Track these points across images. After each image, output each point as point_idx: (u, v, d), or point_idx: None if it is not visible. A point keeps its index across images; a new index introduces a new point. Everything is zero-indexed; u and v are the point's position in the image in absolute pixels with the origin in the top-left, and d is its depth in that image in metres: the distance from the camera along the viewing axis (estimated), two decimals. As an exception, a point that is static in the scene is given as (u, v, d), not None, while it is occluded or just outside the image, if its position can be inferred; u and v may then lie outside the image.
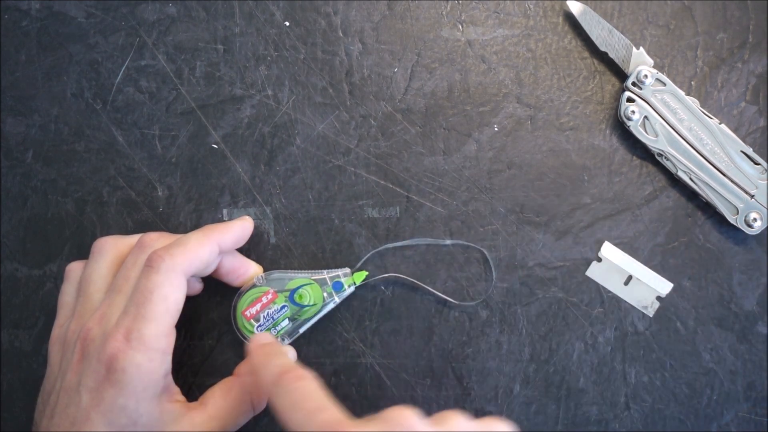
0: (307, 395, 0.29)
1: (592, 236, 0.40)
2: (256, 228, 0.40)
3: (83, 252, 0.39)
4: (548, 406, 0.39)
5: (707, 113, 0.39)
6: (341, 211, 0.40)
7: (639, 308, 0.40)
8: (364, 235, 0.40)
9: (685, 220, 0.40)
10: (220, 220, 0.40)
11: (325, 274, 0.38)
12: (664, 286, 0.40)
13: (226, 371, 0.38)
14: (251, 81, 0.40)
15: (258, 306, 0.37)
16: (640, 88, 0.39)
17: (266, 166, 0.40)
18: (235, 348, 0.39)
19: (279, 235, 0.40)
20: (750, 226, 0.39)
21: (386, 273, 0.40)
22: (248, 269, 0.38)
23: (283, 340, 0.38)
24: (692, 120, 0.39)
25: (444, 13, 0.41)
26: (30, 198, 0.41)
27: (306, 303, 0.37)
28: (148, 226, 0.40)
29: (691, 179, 0.39)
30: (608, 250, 0.40)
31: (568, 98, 0.40)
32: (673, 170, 0.39)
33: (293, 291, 0.38)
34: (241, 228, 0.38)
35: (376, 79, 0.40)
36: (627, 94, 0.39)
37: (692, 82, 0.40)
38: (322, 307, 0.38)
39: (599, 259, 0.40)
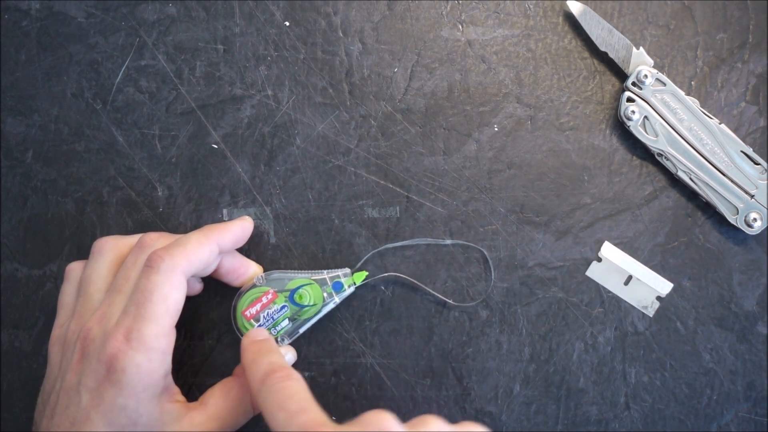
0: (291, 396, 0.30)
1: (592, 236, 0.40)
2: (256, 228, 0.40)
3: (83, 252, 0.39)
4: (548, 406, 0.39)
5: (707, 113, 0.39)
6: (341, 211, 0.40)
7: (639, 308, 0.40)
8: (364, 235, 0.40)
9: (685, 220, 0.40)
10: (220, 220, 0.40)
11: (325, 275, 0.38)
12: (664, 286, 0.40)
13: (226, 371, 0.38)
14: (251, 81, 0.40)
15: (258, 306, 0.37)
16: (640, 88, 0.39)
17: (266, 166, 0.40)
18: (235, 348, 0.39)
19: (279, 235, 0.40)
20: (750, 226, 0.39)
21: (386, 273, 0.40)
22: (248, 269, 0.38)
23: (282, 340, 0.38)
24: (692, 120, 0.39)
25: (444, 13, 0.41)
26: (30, 198, 0.41)
27: (306, 303, 0.37)
28: (148, 226, 0.40)
29: (691, 179, 0.39)
30: (608, 250, 0.40)
31: (568, 98, 0.40)
32: (673, 170, 0.39)
33: (293, 291, 0.38)
34: (240, 228, 0.38)
35: (376, 79, 0.40)
36: (627, 94, 0.39)
37: (692, 82, 0.40)
38: (322, 307, 0.38)
39: (599, 259, 0.40)
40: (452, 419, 0.39)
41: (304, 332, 0.38)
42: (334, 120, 0.40)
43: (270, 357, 0.33)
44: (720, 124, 0.39)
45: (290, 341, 0.38)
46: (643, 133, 0.39)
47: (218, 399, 0.35)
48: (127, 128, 0.41)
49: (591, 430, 0.39)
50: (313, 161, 0.40)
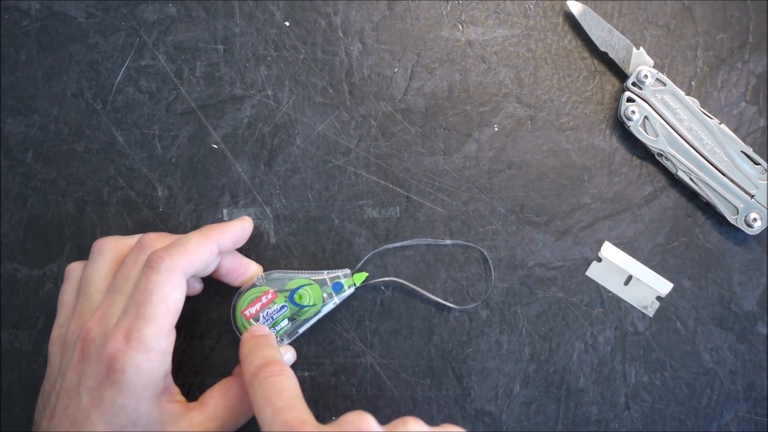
0: (279, 392, 0.30)
1: (592, 236, 0.40)
2: (256, 228, 0.40)
3: (83, 252, 0.39)
4: (548, 406, 0.39)
5: (707, 113, 0.39)
6: (341, 211, 0.40)
7: (639, 308, 0.40)
8: (364, 235, 0.40)
9: (685, 220, 0.40)
10: (220, 220, 0.40)
11: (325, 275, 0.38)
12: (664, 286, 0.40)
13: (226, 371, 0.38)
14: (251, 81, 0.40)
15: (258, 306, 0.37)
16: (640, 88, 0.39)
17: (266, 166, 0.40)
18: (235, 348, 0.39)
19: (279, 235, 0.40)
20: (750, 226, 0.39)
21: (386, 272, 0.40)
22: (248, 269, 0.38)
23: (282, 340, 0.38)
24: (692, 120, 0.39)
25: (444, 13, 0.41)
26: (30, 198, 0.41)
27: (305, 303, 0.37)
28: (148, 226, 0.40)
29: (691, 179, 0.39)
30: (608, 250, 0.40)
31: (568, 98, 0.40)
32: (673, 170, 0.39)
33: (293, 291, 0.38)
34: (240, 228, 0.38)
35: (376, 79, 0.40)
36: (627, 94, 0.39)
37: (692, 82, 0.40)
38: (322, 307, 0.38)
39: (599, 259, 0.40)
40: (452, 419, 0.39)
41: (304, 332, 0.38)
42: (334, 120, 0.40)
43: (266, 351, 0.33)
44: (720, 124, 0.39)
45: (290, 341, 0.38)
46: (643, 133, 0.39)
47: (218, 399, 0.35)
48: (127, 128, 0.41)
49: (591, 430, 0.39)
50: (313, 161, 0.40)
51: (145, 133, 0.41)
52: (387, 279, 0.39)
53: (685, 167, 0.39)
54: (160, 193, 0.40)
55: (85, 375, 0.32)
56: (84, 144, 0.41)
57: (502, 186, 0.40)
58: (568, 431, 0.39)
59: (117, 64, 0.41)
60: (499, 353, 0.40)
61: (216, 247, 0.35)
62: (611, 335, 0.40)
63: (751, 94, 0.40)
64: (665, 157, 0.39)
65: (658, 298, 0.40)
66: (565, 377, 0.39)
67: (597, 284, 0.40)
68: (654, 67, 0.39)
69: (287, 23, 0.41)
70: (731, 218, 0.39)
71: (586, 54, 0.40)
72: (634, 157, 0.40)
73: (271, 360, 0.32)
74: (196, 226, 0.40)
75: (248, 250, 0.40)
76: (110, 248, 0.36)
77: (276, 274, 0.38)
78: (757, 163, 0.39)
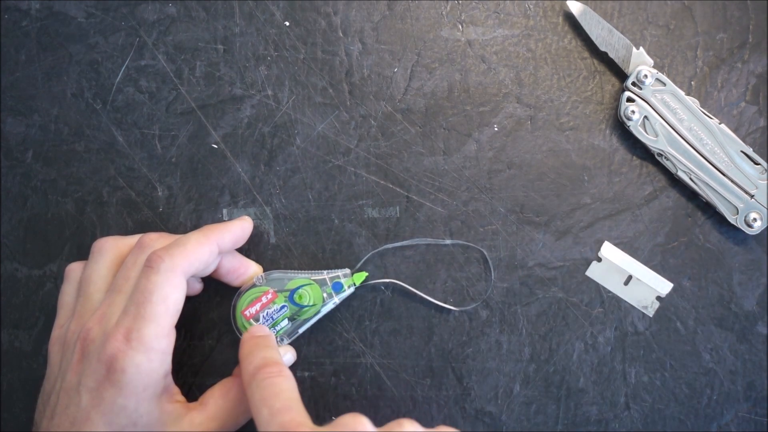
0: (277, 393, 0.30)
1: (592, 236, 0.40)
2: (256, 228, 0.40)
3: (83, 252, 0.39)
4: (548, 406, 0.39)
5: (707, 113, 0.39)
6: (341, 211, 0.40)
7: (639, 308, 0.40)
8: (364, 235, 0.40)
9: (685, 220, 0.40)
10: (220, 220, 0.40)
11: (325, 275, 0.38)
12: (664, 286, 0.40)
13: (226, 371, 0.38)
14: (251, 81, 0.40)
15: (258, 306, 0.37)
16: (640, 88, 0.39)
17: (266, 166, 0.40)
18: (235, 348, 0.39)
19: (279, 235, 0.40)
20: (750, 226, 0.39)
21: (386, 272, 0.40)
22: (248, 269, 0.38)
23: (282, 340, 0.38)
24: (692, 120, 0.39)
25: (444, 13, 0.41)
26: (30, 198, 0.41)
27: (305, 303, 0.37)
28: (148, 226, 0.40)
29: (691, 179, 0.39)
30: (608, 250, 0.40)
31: (568, 98, 0.40)
32: (673, 170, 0.39)
33: (293, 291, 0.38)
34: (240, 228, 0.38)
35: (376, 79, 0.40)
36: (627, 94, 0.39)
37: (692, 82, 0.40)
38: (322, 307, 0.38)
39: (599, 259, 0.40)
40: (452, 419, 0.39)
41: (304, 332, 0.38)
42: (334, 120, 0.40)
43: (265, 352, 0.33)
44: (720, 124, 0.39)
45: (290, 341, 0.38)
46: (643, 133, 0.39)
47: (218, 399, 0.35)
48: (127, 128, 0.41)
49: (591, 430, 0.39)
50: (313, 161, 0.40)
51: (145, 133, 0.41)
52: (387, 281, 0.39)
53: (685, 167, 0.39)
54: (160, 193, 0.40)
55: (85, 375, 0.32)
56: (84, 144, 0.41)
57: (502, 186, 0.40)
58: (568, 431, 0.39)
59: (117, 64, 0.41)
60: (499, 353, 0.40)
61: (216, 247, 0.35)
62: (611, 335, 0.40)
63: (751, 94, 0.40)
64: (665, 157, 0.39)
65: (658, 298, 0.40)
66: (565, 377, 0.39)
67: (597, 284, 0.40)
68: (654, 67, 0.39)
69: (287, 23, 0.41)
70: (731, 218, 0.39)
71: (586, 54, 0.40)
72: (634, 157, 0.40)
73: (270, 361, 0.32)
74: (196, 226, 0.40)
75: (248, 250, 0.40)
76: (110, 248, 0.36)
77: (276, 274, 0.38)
78: (757, 163, 0.39)
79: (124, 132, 0.41)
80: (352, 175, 0.40)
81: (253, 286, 0.38)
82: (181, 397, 0.35)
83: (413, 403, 0.39)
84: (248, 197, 0.40)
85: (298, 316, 0.38)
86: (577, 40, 0.40)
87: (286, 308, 0.37)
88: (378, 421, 0.30)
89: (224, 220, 0.40)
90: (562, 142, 0.40)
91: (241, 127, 0.40)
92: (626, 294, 0.40)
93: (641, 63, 0.39)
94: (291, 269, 0.39)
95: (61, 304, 0.37)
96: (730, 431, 0.39)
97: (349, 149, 0.40)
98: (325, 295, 0.38)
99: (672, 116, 0.39)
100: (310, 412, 0.30)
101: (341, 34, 0.41)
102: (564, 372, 0.40)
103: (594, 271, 0.40)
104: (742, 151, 0.39)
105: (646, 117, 0.39)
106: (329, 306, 0.38)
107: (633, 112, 0.39)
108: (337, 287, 0.38)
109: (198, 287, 0.39)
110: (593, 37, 0.39)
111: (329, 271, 0.38)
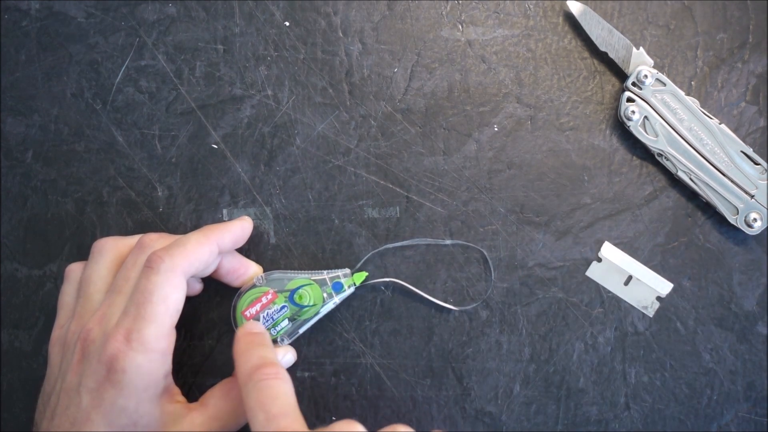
0: (275, 397, 0.30)
1: (592, 236, 0.40)
2: (256, 228, 0.40)
3: (83, 252, 0.39)
4: (548, 406, 0.39)
5: (707, 113, 0.39)
6: (341, 211, 0.40)
7: (639, 308, 0.40)
8: (364, 235, 0.40)
9: (685, 220, 0.40)
10: (220, 220, 0.40)
11: (325, 275, 0.38)
12: (664, 286, 0.40)
13: (226, 371, 0.38)
14: (251, 81, 0.40)
15: (258, 306, 0.37)
16: (640, 88, 0.39)
17: (266, 166, 0.40)
18: (235, 348, 0.39)
19: (279, 235, 0.40)
20: (750, 226, 0.39)
21: (386, 272, 0.40)
22: (248, 269, 0.38)
23: (282, 340, 0.38)
24: (692, 120, 0.39)
25: (444, 13, 0.41)
26: (30, 198, 0.41)
27: (306, 303, 0.37)
28: (148, 226, 0.40)
29: (691, 179, 0.39)
30: (608, 250, 0.40)
31: (568, 98, 0.40)
32: (673, 170, 0.39)
33: (293, 291, 0.38)
34: (240, 228, 0.38)
35: (376, 79, 0.40)
36: (627, 94, 0.39)
37: (692, 82, 0.40)
38: (322, 307, 0.38)
39: (599, 259, 0.40)
40: (452, 419, 0.39)
41: (304, 332, 0.38)
42: (334, 120, 0.40)
43: (262, 351, 0.33)
44: (720, 124, 0.39)
45: (290, 341, 0.38)
46: (643, 133, 0.39)
47: (218, 399, 0.35)
48: (127, 128, 0.41)
49: (591, 430, 0.39)
50: (313, 161, 0.40)
51: (145, 133, 0.41)
52: (387, 280, 0.39)
53: (685, 167, 0.39)
54: (160, 193, 0.40)
55: (86, 376, 0.32)
56: (84, 144, 0.41)
57: (502, 186, 0.40)
58: (568, 431, 0.39)
59: (117, 64, 0.41)
60: (499, 353, 0.40)
61: (216, 247, 0.35)
62: (611, 335, 0.40)
63: (751, 94, 0.40)
64: (665, 157, 0.39)
65: (658, 298, 0.40)
66: (565, 377, 0.40)
67: (597, 284, 0.40)
68: (654, 67, 0.39)
69: (287, 23, 0.41)
70: (731, 218, 0.39)
71: (586, 54, 0.40)
72: (634, 157, 0.40)
73: (266, 361, 0.32)
74: (196, 226, 0.40)
75: (248, 250, 0.40)
76: (110, 249, 0.36)
77: (276, 274, 0.38)
78: (757, 163, 0.39)
79: (124, 132, 0.41)
80: (352, 175, 0.40)
81: (253, 286, 0.38)
82: (181, 398, 0.35)
83: (413, 403, 0.39)
84: (248, 197, 0.40)
85: (299, 316, 0.38)
86: (577, 40, 0.40)
87: (286, 308, 0.37)
88: (378, 421, 0.30)
89: (224, 220, 0.40)
90: (562, 142, 0.40)
91: (241, 127, 0.40)
92: (626, 294, 0.40)
93: (641, 63, 0.39)
94: (291, 269, 0.39)
95: (61, 304, 0.37)
96: (730, 431, 0.39)
97: (349, 149, 0.40)
98: (325, 295, 0.38)
99: (672, 116, 0.39)
100: (310, 413, 0.30)
101: (341, 34, 0.41)
102: (564, 372, 0.40)
103: (594, 272, 0.40)
104: (742, 151, 0.39)
105: (646, 117, 0.39)
106: (329, 306, 0.38)
107: (633, 112, 0.39)
108: (337, 287, 0.38)
109: (198, 287, 0.39)
110: (593, 37, 0.39)
111: (329, 271, 0.38)
